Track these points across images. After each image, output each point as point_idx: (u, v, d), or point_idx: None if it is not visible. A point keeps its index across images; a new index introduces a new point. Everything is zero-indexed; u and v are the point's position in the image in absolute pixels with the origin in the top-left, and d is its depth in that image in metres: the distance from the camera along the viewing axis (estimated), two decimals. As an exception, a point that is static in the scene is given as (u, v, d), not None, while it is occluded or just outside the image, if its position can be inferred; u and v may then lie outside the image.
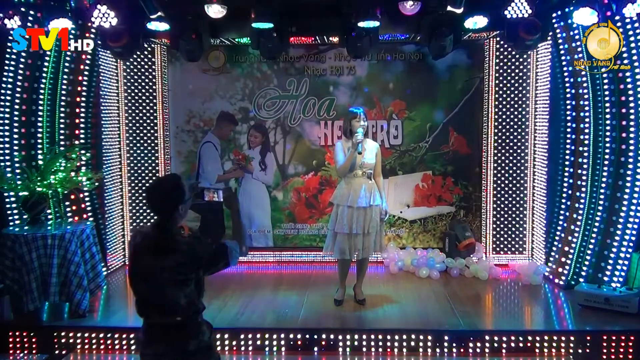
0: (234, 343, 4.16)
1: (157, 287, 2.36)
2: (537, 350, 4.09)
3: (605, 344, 4.05)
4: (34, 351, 4.23)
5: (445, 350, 4.11)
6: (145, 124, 6.10)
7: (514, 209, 6.00)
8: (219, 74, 6.12)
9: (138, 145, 6.12)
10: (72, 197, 5.11)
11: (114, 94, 5.95)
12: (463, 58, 5.97)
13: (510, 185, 5.98)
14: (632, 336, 4.04)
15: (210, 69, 6.11)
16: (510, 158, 5.96)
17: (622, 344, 4.04)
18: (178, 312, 2.38)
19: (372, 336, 4.14)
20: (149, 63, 6.05)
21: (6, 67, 5.01)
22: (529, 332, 4.16)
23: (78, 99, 5.22)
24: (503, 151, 5.97)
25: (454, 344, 4.11)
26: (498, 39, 5.76)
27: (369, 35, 5.01)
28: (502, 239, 6.05)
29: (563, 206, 5.15)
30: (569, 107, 5.04)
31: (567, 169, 5.09)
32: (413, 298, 4.95)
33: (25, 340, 4.24)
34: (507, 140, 5.95)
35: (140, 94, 6.08)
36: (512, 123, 5.93)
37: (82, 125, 5.26)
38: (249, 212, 6.13)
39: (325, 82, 6.10)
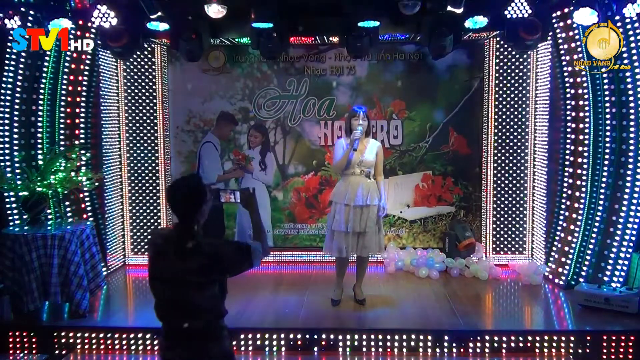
0: (234, 343, 4.15)
1: (180, 290, 2.29)
2: (537, 350, 4.09)
3: (605, 344, 4.05)
4: (34, 351, 4.22)
5: (445, 350, 4.10)
6: (145, 124, 6.10)
7: (514, 209, 6.00)
8: (219, 74, 6.12)
9: (138, 145, 6.12)
10: (72, 197, 5.11)
11: (114, 94, 5.95)
12: (463, 58, 5.97)
13: (510, 185, 5.98)
14: (632, 336, 4.04)
15: (210, 69, 6.11)
16: (510, 158, 5.96)
17: (622, 344, 4.04)
18: (202, 315, 2.31)
19: (372, 336, 4.14)
20: (149, 63, 6.05)
21: (6, 67, 5.01)
22: (529, 332, 4.16)
23: (78, 99, 5.22)
24: (503, 151, 5.97)
25: (454, 344, 4.11)
26: (498, 39, 5.75)
27: (369, 35, 5.01)
28: (502, 239, 6.05)
29: (563, 206, 5.15)
30: (569, 107, 5.04)
31: (567, 169, 5.09)
32: (413, 298, 4.95)
33: (25, 340, 4.24)
34: (507, 140, 5.95)
35: (140, 94, 6.08)
36: (512, 123, 5.93)
37: (82, 125, 5.26)
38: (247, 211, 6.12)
39: (325, 82, 6.10)
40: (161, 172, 6.14)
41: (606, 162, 4.82)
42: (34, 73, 5.09)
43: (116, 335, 4.21)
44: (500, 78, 5.90)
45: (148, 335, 4.19)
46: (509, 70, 5.88)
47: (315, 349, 4.15)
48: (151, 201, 6.15)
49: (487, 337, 4.11)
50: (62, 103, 5.15)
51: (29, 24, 4.87)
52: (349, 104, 5.94)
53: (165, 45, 5.90)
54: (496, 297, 5.17)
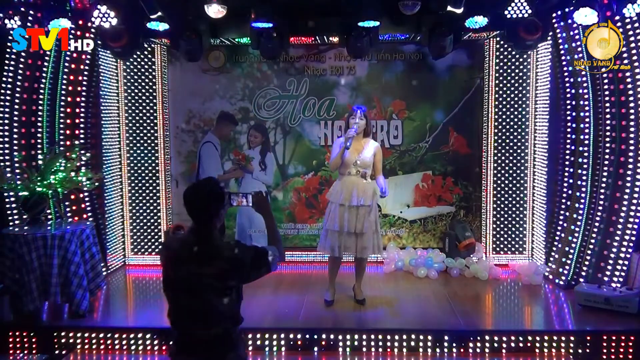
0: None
1: (197, 296, 2.22)
2: (537, 350, 4.09)
3: (605, 344, 4.05)
4: (33, 351, 4.22)
5: (445, 350, 4.10)
6: (145, 124, 6.10)
7: (514, 209, 6.00)
8: (219, 74, 6.12)
9: (138, 145, 6.12)
10: (72, 197, 5.12)
11: (114, 94, 5.94)
12: (463, 58, 5.97)
13: (510, 185, 5.98)
14: (632, 336, 4.03)
15: (210, 69, 6.11)
16: (510, 158, 5.96)
17: (622, 344, 4.04)
18: (219, 322, 2.25)
19: (372, 336, 4.14)
20: (149, 63, 6.05)
21: (6, 67, 5.01)
22: (529, 332, 4.16)
23: (78, 99, 5.21)
24: (503, 151, 5.96)
25: (454, 344, 4.11)
26: (498, 39, 5.75)
27: (369, 35, 5.01)
28: (502, 239, 6.05)
29: (563, 206, 5.15)
30: (569, 107, 5.04)
31: (567, 169, 5.09)
32: (413, 298, 4.95)
33: (25, 340, 4.24)
34: (507, 140, 5.95)
35: (140, 94, 6.07)
36: (512, 123, 5.93)
37: (82, 125, 5.26)
38: (249, 212, 6.13)
39: (325, 82, 6.10)
40: (161, 172, 6.14)
41: (606, 162, 4.82)
42: (34, 73, 5.09)
43: (116, 335, 4.20)
44: (500, 78, 5.90)
45: (148, 335, 4.18)
46: (509, 70, 5.88)
47: (315, 349, 4.15)
48: (151, 201, 6.15)
49: (487, 337, 4.11)
50: (62, 103, 5.15)
51: (29, 24, 4.87)
52: (349, 104, 5.94)
53: (165, 45, 5.90)
54: (496, 297, 5.17)
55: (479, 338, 4.11)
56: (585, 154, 4.89)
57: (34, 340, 4.24)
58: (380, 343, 4.14)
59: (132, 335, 4.19)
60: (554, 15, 5.02)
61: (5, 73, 5.01)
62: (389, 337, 4.13)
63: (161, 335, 4.16)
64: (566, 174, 5.10)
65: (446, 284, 5.34)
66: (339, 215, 4.49)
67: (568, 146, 5.08)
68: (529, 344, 4.10)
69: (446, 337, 4.11)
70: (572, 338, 4.09)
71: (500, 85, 5.91)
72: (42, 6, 4.96)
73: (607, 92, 4.79)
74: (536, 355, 4.08)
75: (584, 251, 4.94)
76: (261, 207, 2.57)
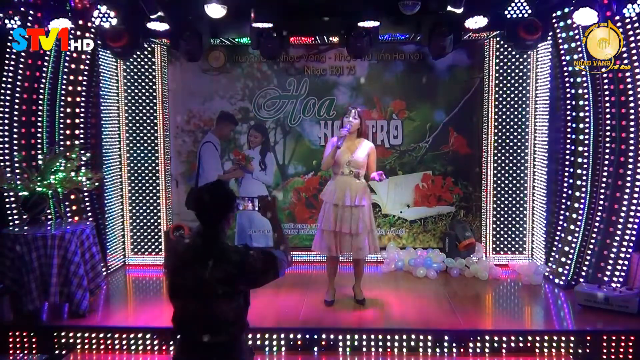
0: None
1: (204, 302, 2.17)
2: (537, 350, 4.08)
3: (605, 344, 4.05)
4: (33, 351, 4.22)
5: (445, 350, 4.10)
6: (145, 124, 6.09)
7: (514, 209, 6.00)
8: (219, 74, 6.12)
9: (138, 145, 6.12)
10: (72, 197, 5.11)
11: (114, 94, 5.94)
12: (463, 58, 5.97)
13: (510, 185, 5.98)
14: (632, 336, 4.03)
15: (210, 69, 6.11)
16: (510, 158, 5.96)
17: (622, 344, 4.03)
18: (226, 328, 2.21)
19: (372, 336, 4.14)
20: (149, 63, 6.05)
21: (6, 67, 5.01)
22: (529, 332, 4.16)
23: (78, 99, 5.21)
24: (503, 151, 5.96)
25: (454, 344, 4.11)
26: (498, 39, 5.75)
27: (369, 35, 5.01)
28: (502, 239, 6.05)
29: (563, 206, 5.14)
30: (569, 107, 5.04)
31: (567, 169, 5.09)
32: (413, 298, 4.95)
33: (25, 340, 4.23)
34: (507, 140, 5.95)
35: (140, 94, 6.07)
36: (512, 123, 5.93)
37: (82, 125, 5.26)
38: (249, 212, 6.11)
39: (325, 82, 6.10)
40: (161, 172, 6.14)
41: (606, 162, 4.82)
42: (34, 73, 5.09)
43: (116, 335, 4.20)
44: (500, 78, 5.90)
45: (148, 335, 4.18)
46: (509, 70, 5.88)
47: (315, 349, 4.15)
48: (151, 201, 6.15)
49: (487, 337, 4.11)
50: (62, 103, 5.15)
51: (29, 24, 4.87)
52: (349, 104, 5.93)
53: (165, 45, 5.90)
54: (496, 297, 5.17)
55: (479, 338, 4.10)
56: (585, 154, 4.89)
57: (34, 340, 4.24)
58: (380, 343, 4.13)
59: (132, 335, 4.19)
60: (554, 15, 5.02)
61: (5, 73, 5.01)
62: (388, 337, 4.13)
63: (161, 335, 4.16)
64: (566, 174, 5.10)
65: (446, 284, 5.34)
66: (333, 215, 4.49)
67: (568, 146, 5.08)
68: (529, 344, 4.09)
69: (446, 337, 4.11)
70: (572, 338, 4.08)
71: (500, 85, 5.91)
72: (42, 6, 4.95)
73: (607, 92, 4.79)
74: (536, 355, 4.08)
75: (584, 251, 4.94)
76: (267, 212, 2.55)
